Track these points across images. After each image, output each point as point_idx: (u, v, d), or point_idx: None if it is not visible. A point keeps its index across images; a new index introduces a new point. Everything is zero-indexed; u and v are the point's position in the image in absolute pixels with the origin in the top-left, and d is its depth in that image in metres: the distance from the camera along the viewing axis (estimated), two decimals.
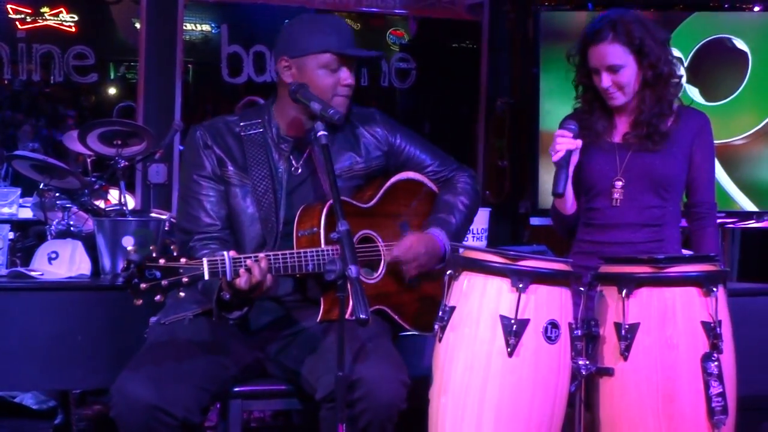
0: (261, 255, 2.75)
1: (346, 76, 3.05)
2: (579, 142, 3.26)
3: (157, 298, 2.54)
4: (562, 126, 3.28)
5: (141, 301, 2.53)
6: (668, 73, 3.33)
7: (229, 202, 3.07)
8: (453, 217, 3.23)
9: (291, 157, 3.12)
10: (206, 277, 2.61)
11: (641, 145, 3.32)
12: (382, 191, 3.20)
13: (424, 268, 3.11)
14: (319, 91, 3.02)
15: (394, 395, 2.78)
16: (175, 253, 2.57)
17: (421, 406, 2.88)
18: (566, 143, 3.23)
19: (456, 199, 3.28)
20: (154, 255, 2.53)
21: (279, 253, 2.82)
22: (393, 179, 3.25)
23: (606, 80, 3.29)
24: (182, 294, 2.57)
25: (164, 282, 2.53)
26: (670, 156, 3.33)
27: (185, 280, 2.56)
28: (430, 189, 3.32)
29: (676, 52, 3.67)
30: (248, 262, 2.70)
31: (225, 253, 2.67)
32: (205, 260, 2.62)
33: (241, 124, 3.13)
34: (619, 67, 3.27)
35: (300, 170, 3.12)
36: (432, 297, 3.14)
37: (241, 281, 2.68)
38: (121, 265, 3.87)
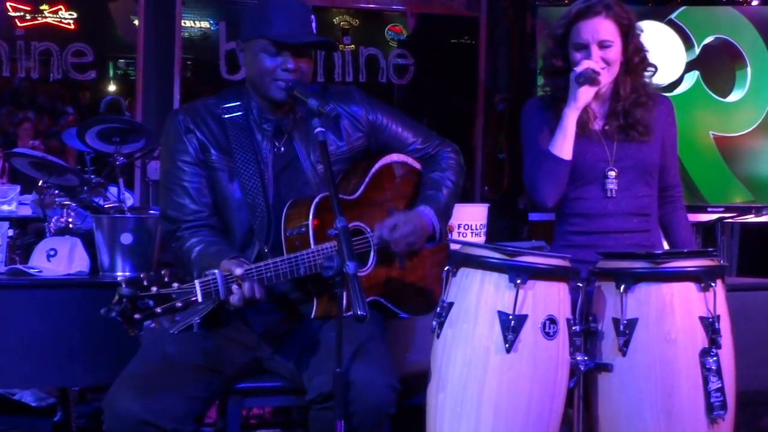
0: (253, 268, 2.71)
1: (285, 61, 2.95)
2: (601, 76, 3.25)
3: (152, 325, 2.52)
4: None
5: (135, 333, 2.51)
6: (647, 60, 3.36)
7: (215, 188, 3.02)
8: (440, 194, 3.17)
9: (274, 138, 3.06)
10: (200, 299, 2.59)
11: (626, 134, 3.32)
12: (366, 180, 3.13)
13: (413, 246, 3.05)
14: (260, 75, 2.97)
15: (383, 399, 2.75)
16: (166, 279, 2.54)
17: (419, 402, 2.88)
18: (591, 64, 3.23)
19: (442, 176, 3.23)
20: (145, 283, 2.51)
21: (270, 261, 2.76)
22: (376, 166, 3.18)
23: (596, 55, 3.26)
24: (177, 319, 2.56)
25: (158, 309, 2.52)
26: (653, 144, 3.35)
27: (179, 305, 2.55)
28: (415, 169, 3.27)
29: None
30: (239, 275, 2.67)
31: (216, 271, 2.64)
32: (197, 283, 2.59)
33: (222, 106, 3.08)
34: (609, 44, 3.26)
35: (283, 149, 3.06)
36: (422, 279, 3.13)
37: (235, 298, 2.66)
38: (119, 265, 3.93)
